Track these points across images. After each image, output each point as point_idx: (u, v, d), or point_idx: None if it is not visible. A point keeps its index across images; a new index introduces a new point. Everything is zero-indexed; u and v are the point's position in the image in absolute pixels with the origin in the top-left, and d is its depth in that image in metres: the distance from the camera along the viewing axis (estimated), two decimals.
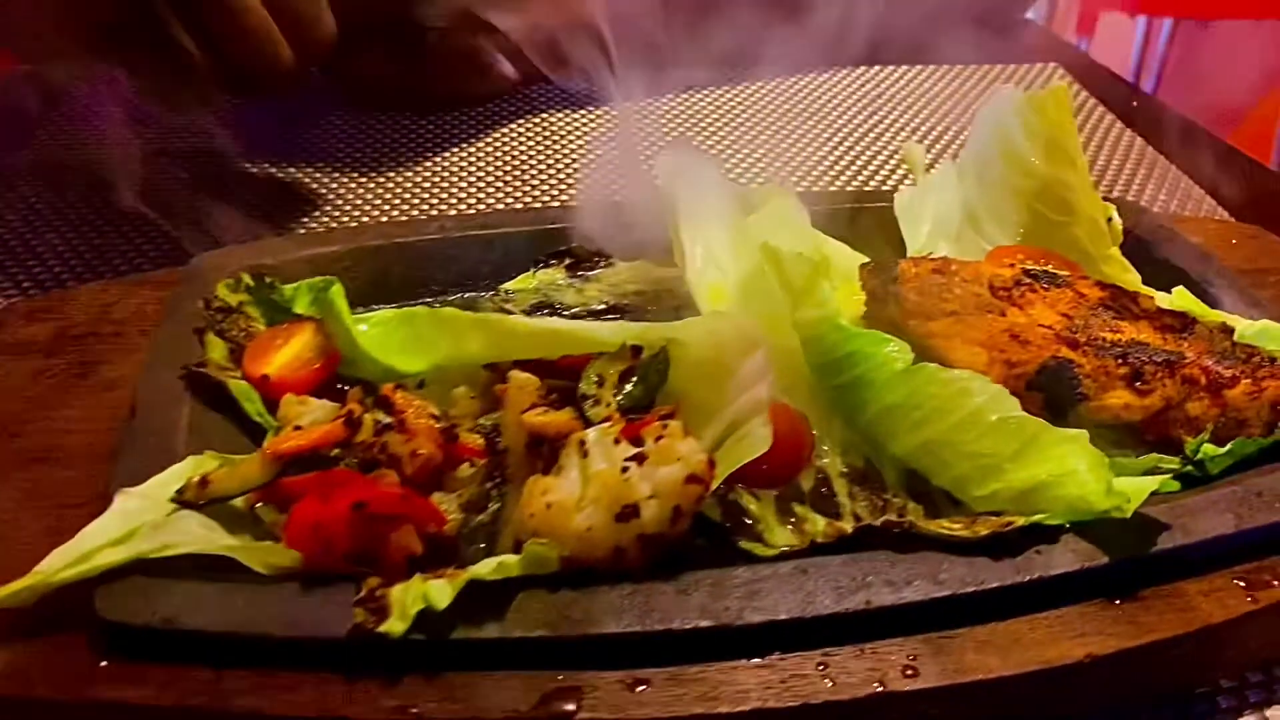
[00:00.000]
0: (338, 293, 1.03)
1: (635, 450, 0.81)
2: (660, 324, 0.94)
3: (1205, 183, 1.54)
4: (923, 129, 1.73)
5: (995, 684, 0.76)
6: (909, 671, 0.76)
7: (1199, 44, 6.47)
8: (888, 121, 1.75)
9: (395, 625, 0.73)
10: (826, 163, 1.60)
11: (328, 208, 1.47)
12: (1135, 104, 1.80)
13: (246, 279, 1.10)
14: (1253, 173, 1.58)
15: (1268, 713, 0.85)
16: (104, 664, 0.75)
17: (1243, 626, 0.81)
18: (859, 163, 1.62)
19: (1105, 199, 1.36)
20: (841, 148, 1.66)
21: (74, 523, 0.81)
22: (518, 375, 0.89)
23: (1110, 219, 1.14)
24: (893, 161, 1.61)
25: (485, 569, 0.76)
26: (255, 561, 0.80)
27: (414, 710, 0.72)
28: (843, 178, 1.57)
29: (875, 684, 0.75)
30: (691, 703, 0.74)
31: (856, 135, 1.70)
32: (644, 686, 0.74)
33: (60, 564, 0.77)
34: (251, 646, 0.75)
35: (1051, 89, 1.16)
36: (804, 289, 0.97)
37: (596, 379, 0.90)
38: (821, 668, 0.76)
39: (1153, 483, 0.82)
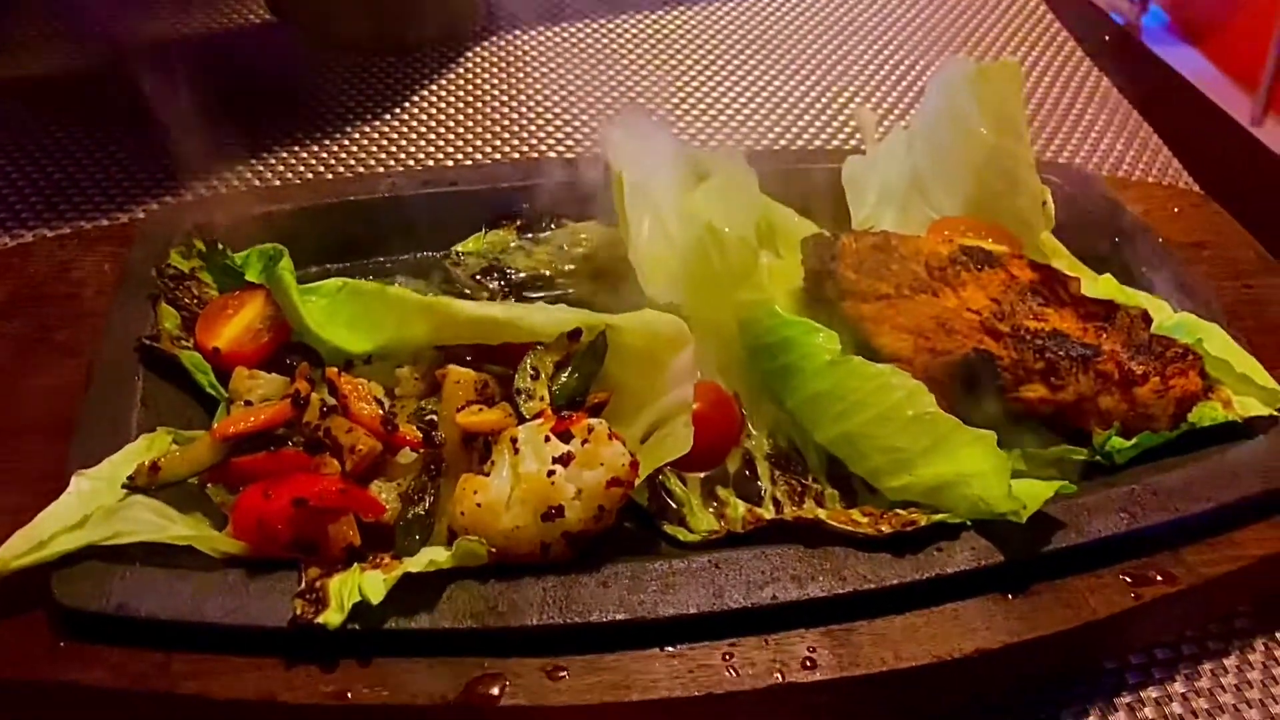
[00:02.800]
0: (286, 267, 1.09)
1: (564, 449, 0.90)
2: (598, 314, 1.01)
3: (1168, 135, 1.58)
4: (890, 63, 1.76)
5: (888, 676, 0.85)
6: (808, 663, 0.85)
7: None
8: (857, 52, 1.78)
9: (332, 616, 0.81)
10: (787, 104, 1.64)
11: (285, 151, 1.52)
12: (1107, 38, 1.82)
13: (199, 245, 1.17)
14: (1218, 129, 1.63)
15: (1169, 688, 0.95)
16: (61, 645, 0.82)
17: (1125, 620, 0.90)
18: (822, 102, 1.65)
19: (1059, 158, 1.44)
20: (808, 83, 1.70)
21: (36, 498, 0.88)
22: (454, 370, 0.97)
23: (1045, 203, 1.21)
24: (856, 101, 1.66)
25: (417, 564, 0.85)
26: (205, 547, 0.88)
27: (348, 695, 0.81)
28: (804, 120, 1.61)
29: (776, 674, 0.84)
30: (605, 691, 0.82)
31: (826, 66, 1.74)
32: (563, 674, 0.83)
33: (19, 550, 0.84)
34: (199, 632, 0.83)
35: (1002, 62, 1.24)
36: (743, 273, 1.05)
37: (532, 371, 0.98)
38: (727, 658, 0.85)
39: (1048, 489, 0.91)
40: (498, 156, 1.52)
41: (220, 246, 1.17)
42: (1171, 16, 6.86)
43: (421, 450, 0.96)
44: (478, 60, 1.73)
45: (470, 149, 1.54)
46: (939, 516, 0.92)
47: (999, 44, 1.76)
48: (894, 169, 1.30)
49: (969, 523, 0.92)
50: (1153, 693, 0.95)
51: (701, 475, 1.00)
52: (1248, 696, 0.95)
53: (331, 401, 0.97)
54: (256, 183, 1.45)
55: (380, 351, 1.07)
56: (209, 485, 0.96)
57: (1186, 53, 6.62)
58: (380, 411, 0.98)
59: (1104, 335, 1.05)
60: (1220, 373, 1.05)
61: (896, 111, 1.60)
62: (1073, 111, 1.64)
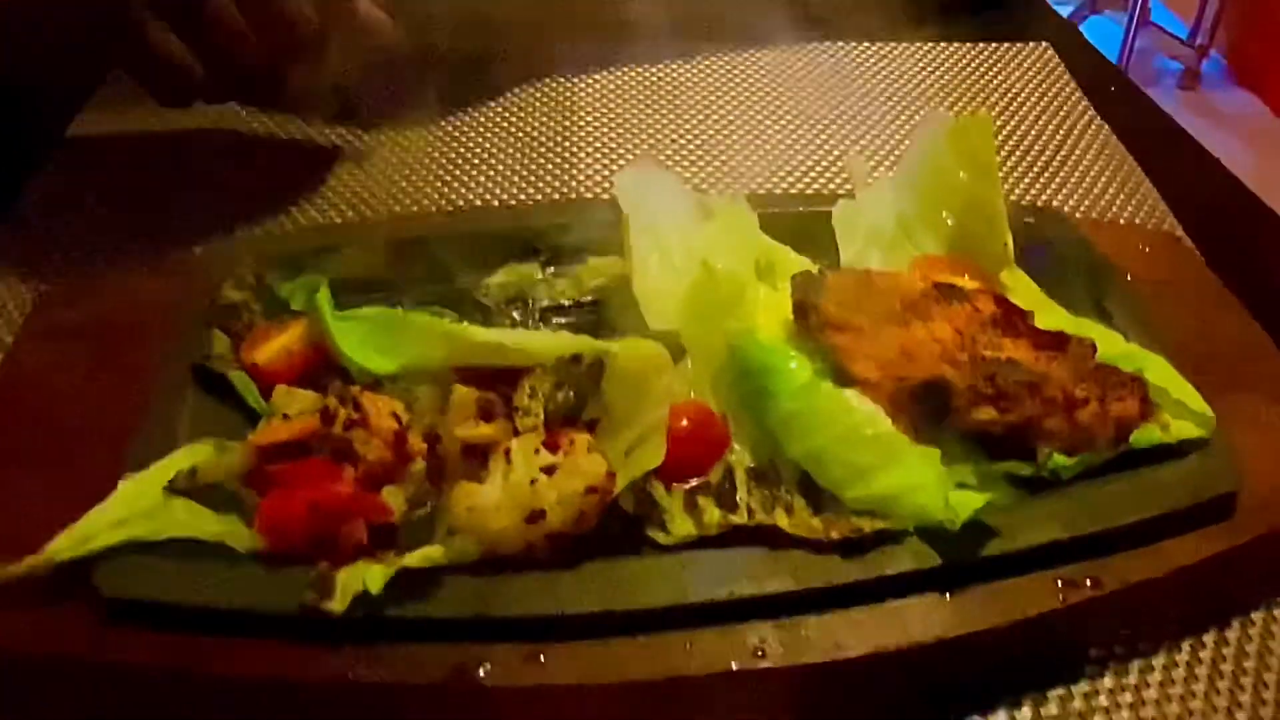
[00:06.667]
0: (323, 296, 1.14)
1: (551, 460, 0.94)
2: (596, 341, 1.04)
3: (1159, 181, 1.58)
4: (904, 105, 1.76)
5: (829, 666, 0.89)
6: (758, 653, 0.89)
7: None
8: (871, 98, 1.78)
9: (336, 605, 0.86)
10: (798, 145, 1.64)
11: (337, 194, 1.55)
12: (1113, 89, 1.80)
13: (249, 278, 1.22)
14: (1207, 175, 1.63)
15: (1097, 683, 0.97)
16: (100, 627, 0.88)
17: (1053, 620, 0.94)
18: (829, 144, 1.66)
19: (1053, 201, 1.46)
20: (819, 127, 1.69)
21: (93, 504, 0.93)
22: (458, 389, 1.01)
23: (1006, 244, 1.23)
24: (862, 143, 1.66)
25: (414, 560, 0.90)
26: (233, 543, 0.93)
27: (348, 675, 0.86)
28: (809, 162, 1.61)
29: (731, 662, 0.88)
30: (577, 673, 0.87)
31: (840, 113, 1.73)
32: (541, 658, 0.87)
33: (63, 546, 0.89)
34: (222, 617, 0.88)
35: (976, 117, 1.27)
36: (732, 304, 1.10)
37: (529, 391, 1.01)
38: (688, 646, 0.89)
39: (980, 499, 0.94)
40: (530, 194, 1.54)
41: (266, 281, 1.22)
42: (1229, 62, 6.79)
43: (427, 460, 1.01)
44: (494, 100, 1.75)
45: (500, 190, 1.56)
46: (883, 524, 0.95)
47: (1009, 96, 1.75)
48: (881, 212, 1.33)
49: (912, 529, 0.95)
50: (1083, 687, 0.97)
51: (688, 485, 1.02)
52: (1169, 692, 0.97)
53: (356, 416, 1.01)
54: (304, 222, 1.49)
55: (404, 372, 1.10)
56: (244, 489, 1.00)
57: (1242, 96, 6.56)
58: (397, 426, 1.02)
59: (1054, 363, 1.08)
60: (1159, 398, 1.08)
61: (890, 160, 1.59)
62: (1070, 158, 1.62)
